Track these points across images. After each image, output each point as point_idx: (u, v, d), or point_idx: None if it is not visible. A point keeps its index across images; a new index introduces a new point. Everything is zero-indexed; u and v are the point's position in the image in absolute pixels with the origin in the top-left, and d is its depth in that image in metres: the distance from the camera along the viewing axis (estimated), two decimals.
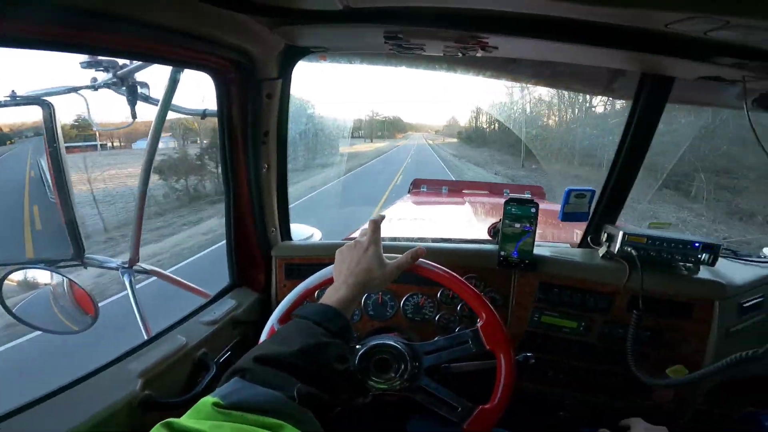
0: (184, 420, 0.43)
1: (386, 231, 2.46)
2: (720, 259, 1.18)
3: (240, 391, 0.51)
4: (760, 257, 1.50)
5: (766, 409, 1.37)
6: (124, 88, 1.09)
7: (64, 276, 1.09)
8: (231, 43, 0.90)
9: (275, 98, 1.11)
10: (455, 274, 0.94)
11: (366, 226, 0.90)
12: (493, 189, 3.49)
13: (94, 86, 1.10)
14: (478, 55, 1.01)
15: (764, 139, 0.96)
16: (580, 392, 1.28)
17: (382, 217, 0.90)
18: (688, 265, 1.22)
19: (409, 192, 3.63)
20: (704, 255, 1.15)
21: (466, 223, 2.53)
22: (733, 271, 1.29)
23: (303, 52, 1.10)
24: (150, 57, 0.87)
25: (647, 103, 1.21)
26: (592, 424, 1.21)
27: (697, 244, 1.16)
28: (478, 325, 0.90)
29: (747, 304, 1.25)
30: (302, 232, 1.52)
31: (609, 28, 0.83)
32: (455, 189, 3.59)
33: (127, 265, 1.19)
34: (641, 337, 1.17)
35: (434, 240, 1.50)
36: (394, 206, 3.26)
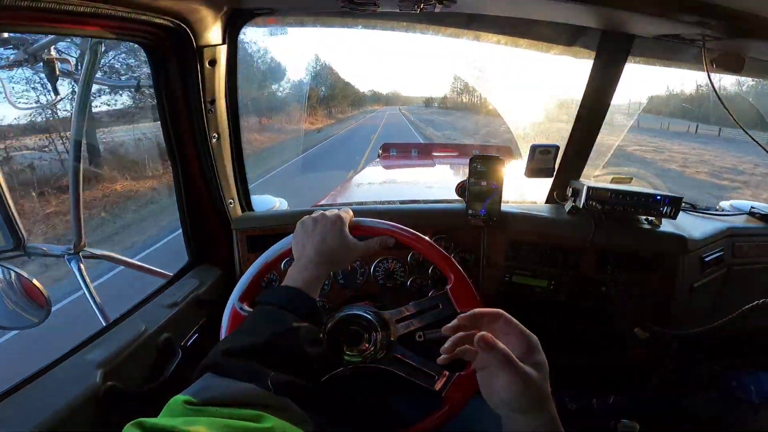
0: (157, 419, 0.41)
1: (354, 195, 2.46)
2: (680, 213, 1.20)
3: (212, 386, 0.49)
4: (717, 210, 1.55)
5: (733, 370, 1.45)
6: (40, 65, 0.99)
7: (8, 268, 1.02)
8: (162, 8, 0.81)
9: (219, 65, 1.03)
10: (423, 236, 0.90)
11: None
12: (462, 150, 3.51)
13: (4, 66, 1.00)
14: (436, 10, 0.96)
15: None
16: (556, 352, 1.30)
17: (352, 215, 0.87)
18: (650, 218, 1.24)
19: (378, 156, 3.61)
20: (666, 208, 1.17)
21: (435, 184, 2.53)
22: (692, 225, 1.32)
23: (250, 15, 1.02)
24: (60, 30, 0.75)
25: (608, 60, 1.20)
26: (570, 384, 1.25)
27: (658, 197, 1.17)
28: (447, 287, 0.87)
29: (708, 258, 1.28)
30: (267, 203, 1.46)
31: None
32: (424, 151, 3.60)
33: (72, 251, 1.12)
34: (610, 294, 1.19)
35: (402, 202, 1.48)
36: (364, 171, 3.24)
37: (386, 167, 3.28)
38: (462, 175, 2.98)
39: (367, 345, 0.86)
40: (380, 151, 3.63)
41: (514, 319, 0.57)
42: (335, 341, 0.87)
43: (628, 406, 1.36)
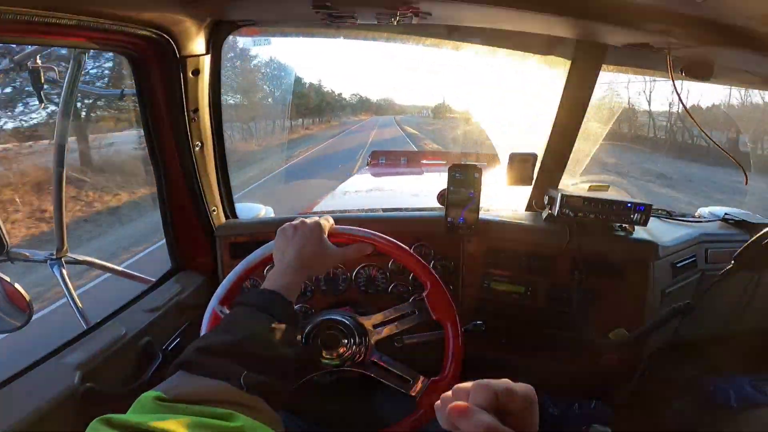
0: (126, 415, 0.41)
1: (341, 203, 2.47)
2: (655, 220, 1.23)
3: (184, 383, 0.50)
4: (694, 217, 1.59)
5: (708, 374, 1.47)
6: (25, 73, 1.01)
7: None
8: (146, 21, 0.83)
9: (203, 74, 1.05)
10: (401, 244, 0.91)
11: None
12: (451, 158, 3.53)
13: None
14: (414, 22, 0.99)
15: None
16: (531, 358, 1.32)
17: (332, 223, 0.87)
18: (623, 225, 1.27)
19: (367, 164, 3.62)
20: (636, 215, 1.20)
21: (421, 192, 2.56)
22: (665, 232, 1.36)
23: (232, 27, 1.04)
24: (47, 41, 0.78)
25: (583, 69, 1.24)
26: (545, 389, 1.26)
27: (629, 205, 1.21)
28: (424, 294, 0.89)
29: (680, 264, 1.32)
30: (252, 210, 1.48)
31: None
32: (414, 159, 3.60)
33: (54, 257, 1.13)
34: (583, 300, 1.22)
35: (384, 210, 1.50)
36: (352, 179, 3.26)
37: (375, 175, 3.30)
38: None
39: (344, 349, 0.88)
40: (369, 159, 3.64)
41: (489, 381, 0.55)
42: (313, 344, 0.89)
43: (610, 411, 1.38)
